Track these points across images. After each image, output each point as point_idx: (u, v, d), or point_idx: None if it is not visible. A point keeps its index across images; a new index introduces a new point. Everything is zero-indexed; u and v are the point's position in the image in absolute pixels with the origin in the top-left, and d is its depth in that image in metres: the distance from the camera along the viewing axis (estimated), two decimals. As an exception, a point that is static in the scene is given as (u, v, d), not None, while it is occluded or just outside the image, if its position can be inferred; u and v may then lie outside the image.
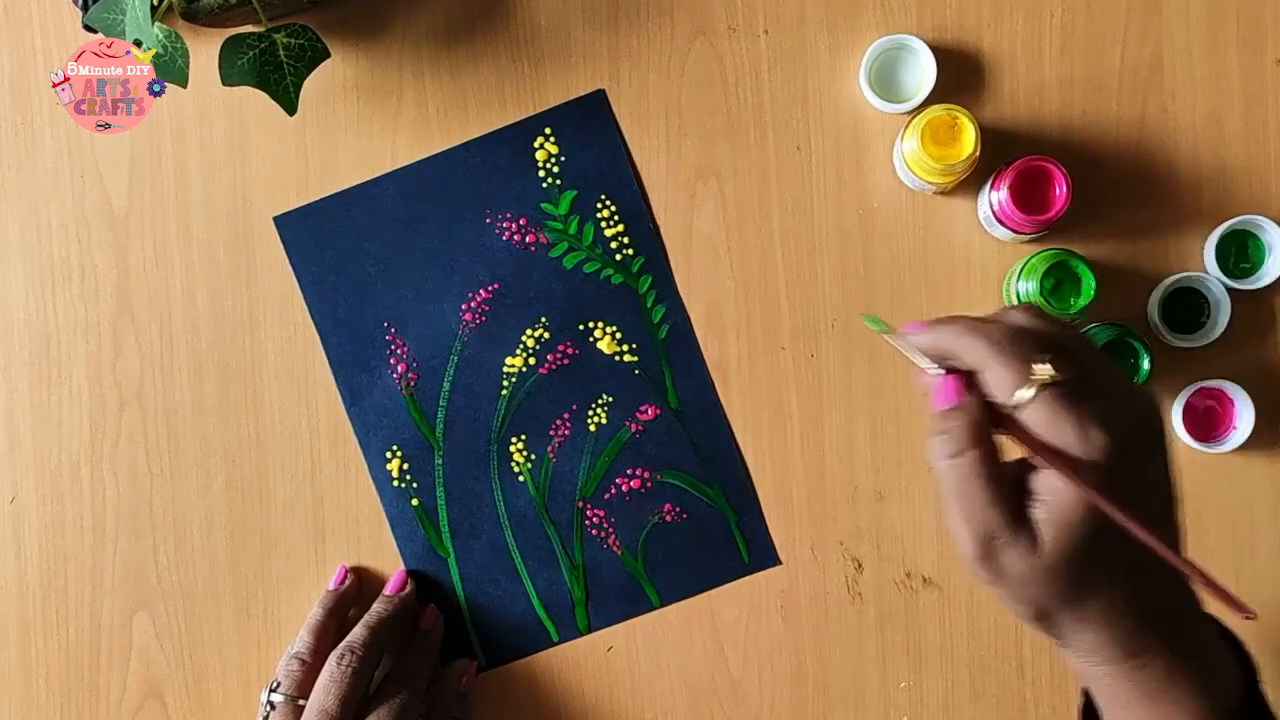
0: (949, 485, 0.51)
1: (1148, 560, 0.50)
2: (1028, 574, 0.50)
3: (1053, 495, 0.49)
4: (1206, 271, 0.74)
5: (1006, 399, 0.50)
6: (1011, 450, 0.51)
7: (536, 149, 0.76)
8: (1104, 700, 0.53)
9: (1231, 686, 0.53)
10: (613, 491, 0.76)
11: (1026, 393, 0.49)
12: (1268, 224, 0.73)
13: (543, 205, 0.76)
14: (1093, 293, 0.70)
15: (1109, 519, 0.49)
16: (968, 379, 0.51)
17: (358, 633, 0.72)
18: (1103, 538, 0.49)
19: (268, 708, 0.71)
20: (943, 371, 0.52)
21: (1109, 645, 0.51)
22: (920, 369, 0.53)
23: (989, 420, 0.51)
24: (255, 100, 0.75)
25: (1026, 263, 0.71)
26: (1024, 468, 0.51)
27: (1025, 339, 0.50)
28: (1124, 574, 0.50)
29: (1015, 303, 0.72)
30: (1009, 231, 0.72)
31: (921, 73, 0.74)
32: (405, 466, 0.77)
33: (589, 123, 0.76)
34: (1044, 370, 0.49)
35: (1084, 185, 0.73)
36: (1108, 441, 0.48)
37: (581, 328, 0.76)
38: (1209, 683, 0.52)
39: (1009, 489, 0.50)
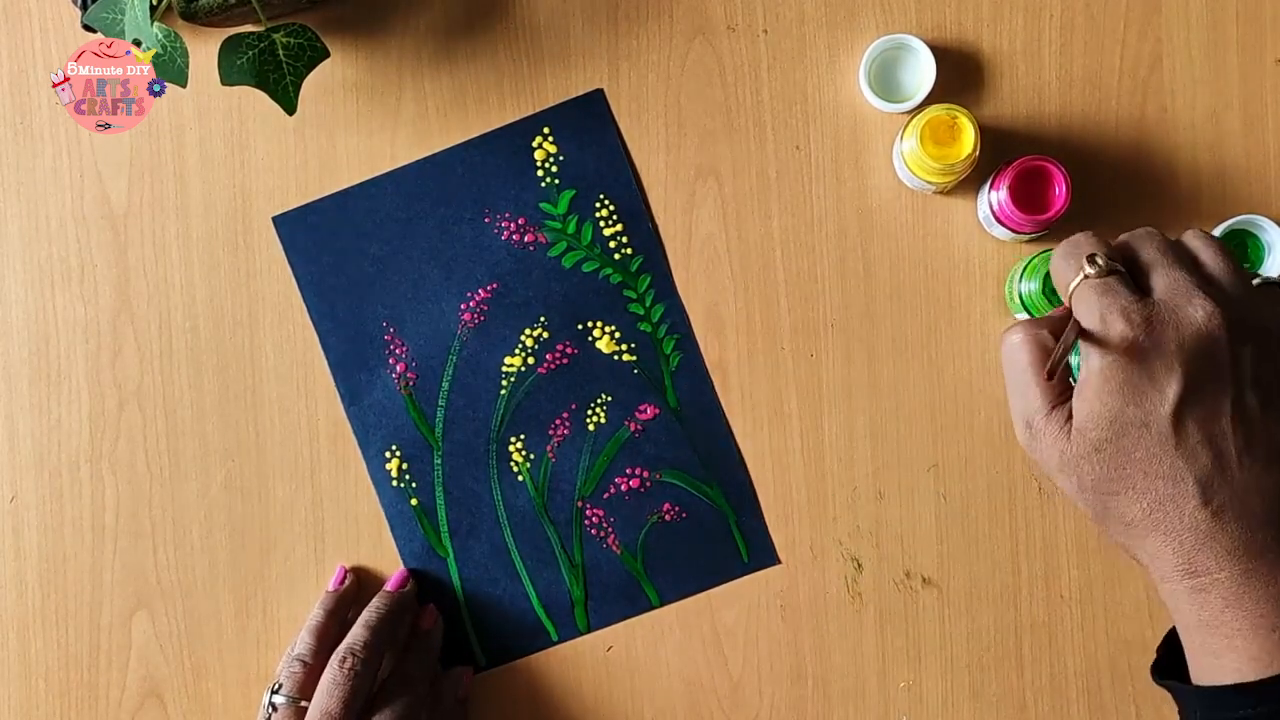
0: (1005, 364, 0.57)
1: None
2: (1060, 461, 0.54)
3: (1081, 383, 0.54)
4: (1206, 271, 0.74)
5: (1065, 289, 0.55)
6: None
7: (535, 148, 0.76)
8: (1178, 626, 0.54)
9: None
10: (612, 491, 0.76)
11: (1071, 286, 0.54)
12: (1267, 223, 0.73)
13: (541, 205, 0.76)
14: (1093, 292, 0.70)
15: (1136, 408, 0.52)
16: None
17: (358, 633, 0.72)
18: (1128, 425, 0.52)
19: (270, 709, 0.71)
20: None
21: (1160, 556, 0.52)
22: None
23: (1061, 331, 0.55)
24: (255, 100, 0.75)
25: (1029, 263, 0.71)
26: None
27: (1086, 240, 0.55)
28: (1165, 473, 0.52)
29: (1019, 303, 0.72)
30: (1008, 231, 0.72)
31: (921, 72, 0.74)
32: (404, 466, 0.77)
33: (587, 122, 0.76)
34: (1085, 268, 0.54)
35: (1083, 185, 0.73)
36: (1125, 330, 0.52)
37: (580, 327, 0.76)
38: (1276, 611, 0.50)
39: (1059, 381, 0.55)
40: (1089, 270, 0.53)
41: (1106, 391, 0.53)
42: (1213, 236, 0.57)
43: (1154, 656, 0.58)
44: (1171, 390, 0.52)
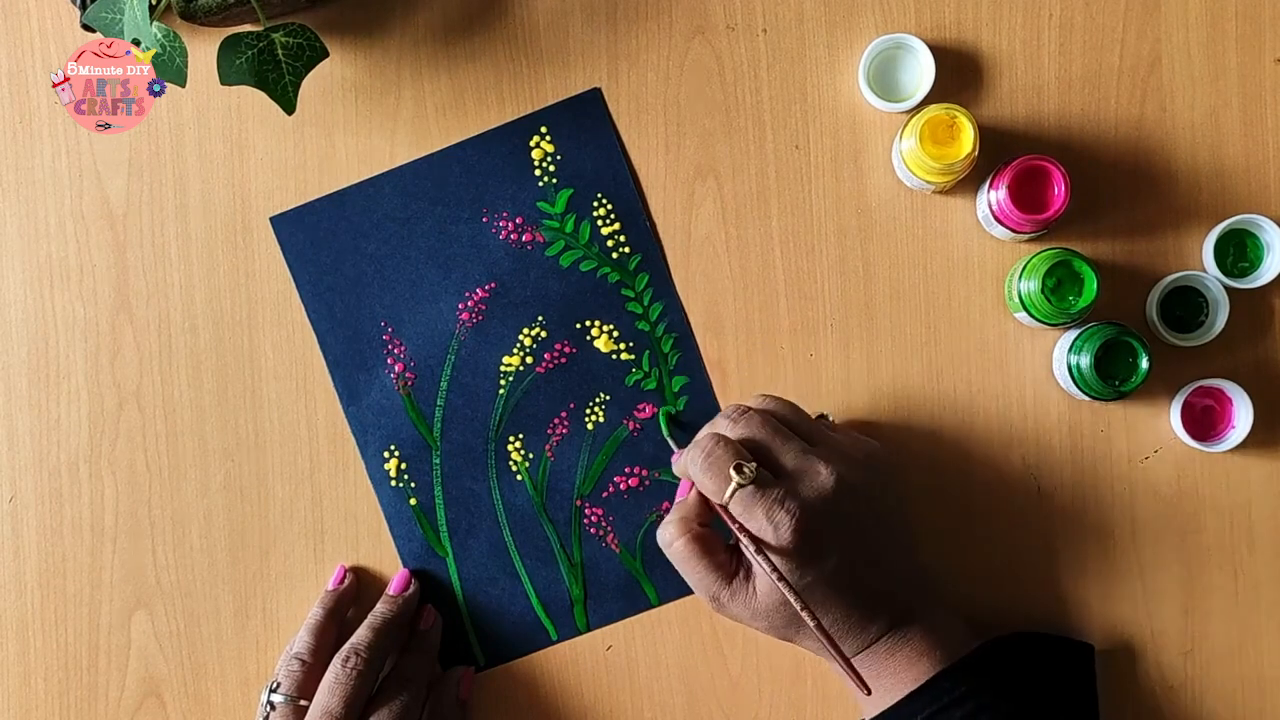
0: (674, 561, 0.67)
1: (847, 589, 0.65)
2: (751, 615, 0.66)
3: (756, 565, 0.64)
4: (1205, 270, 0.74)
5: (718, 501, 0.64)
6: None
7: (533, 148, 0.76)
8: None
9: (961, 639, 0.67)
10: (611, 490, 0.76)
11: (726, 495, 0.63)
12: (1266, 223, 0.73)
13: (539, 204, 0.76)
14: (1094, 293, 0.70)
15: (807, 572, 0.63)
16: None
17: (362, 634, 0.72)
18: (804, 587, 0.63)
19: (268, 708, 0.71)
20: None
21: (844, 644, 0.65)
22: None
23: (705, 512, 0.67)
24: (254, 99, 0.75)
25: (1028, 262, 0.71)
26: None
27: (720, 451, 0.64)
28: (831, 607, 0.65)
29: (1018, 302, 0.72)
30: (1007, 231, 0.72)
31: (920, 72, 0.74)
32: (403, 466, 0.77)
33: (585, 121, 0.76)
34: (734, 476, 0.62)
35: (1082, 184, 0.73)
36: (791, 523, 0.62)
37: (579, 326, 0.76)
38: (935, 640, 0.66)
39: (725, 556, 0.66)
40: (739, 479, 0.62)
41: (784, 571, 0.63)
42: (778, 398, 0.70)
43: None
44: (831, 557, 0.64)
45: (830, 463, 0.65)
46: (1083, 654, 0.72)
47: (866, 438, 0.70)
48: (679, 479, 0.76)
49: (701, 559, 0.66)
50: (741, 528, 0.63)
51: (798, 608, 0.62)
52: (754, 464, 0.63)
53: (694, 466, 0.65)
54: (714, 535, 0.67)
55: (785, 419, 0.68)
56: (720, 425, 0.67)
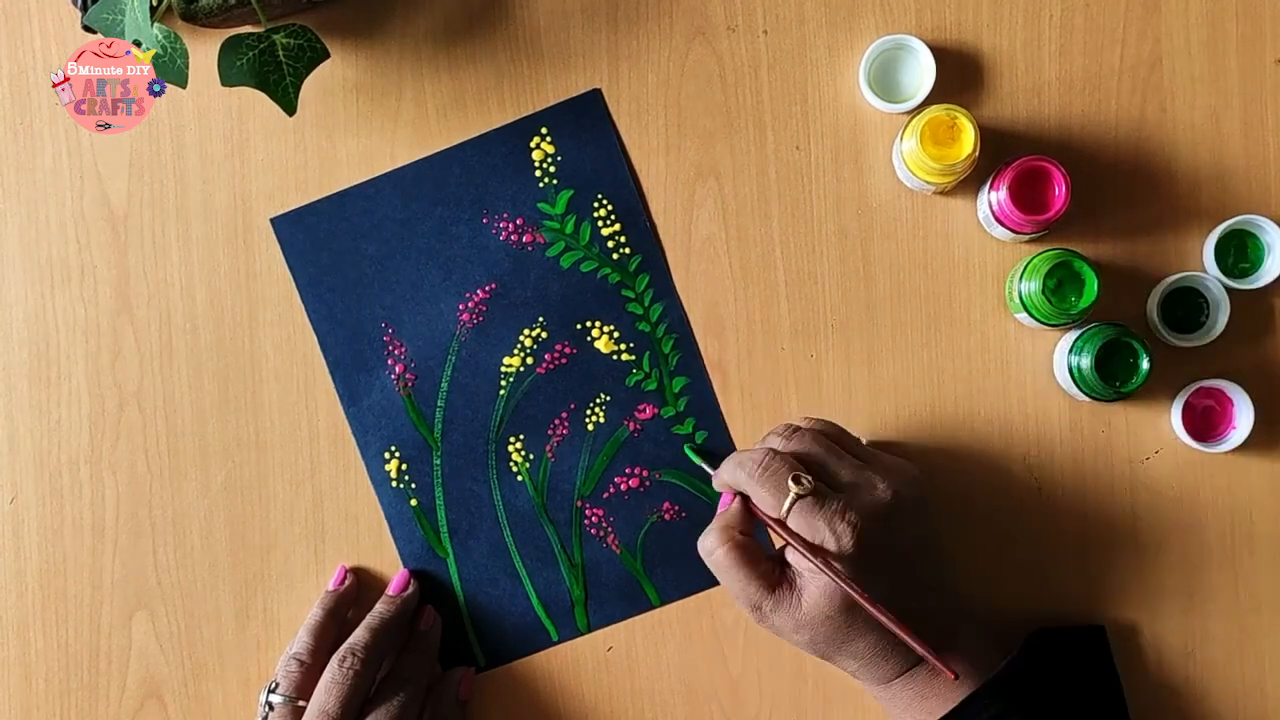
0: (716, 571, 0.66)
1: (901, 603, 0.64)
2: (794, 627, 0.65)
3: (811, 573, 0.64)
4: (1206, 271, 0.74)
5: (775, 512, 0.64)
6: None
7: (533, 149, 0.76)
8: (886, 707, 0.69)
9: (989, 658, 0.68)
10: (611, 490, 0.76)
11: (784, 507, 0.63)
12: (1267, 223, 0.73)
13: (539, 205, 0.76)
14: (1095, 293, 0.70)
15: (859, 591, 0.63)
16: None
17: (360, 635, 0.72)
18: (849, 603, 0.64)
19: (266, 708, 0.71)
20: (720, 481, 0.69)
21: (877, 670, 0.66)
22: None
23: (747, 523, 0.67)
24: (254, 100, 0.75)
25: (1029, 263, 0.71)
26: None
27: (778, 464, 0.65)
28: (876, 625, 0.64)
29: (1018, 303, 0.72)
30: (1008, 231, 0.72)
31: (921, 73, 0.74)
32: (404, 467, 0.77)
33: (585, 122, 0.76)
34: (793, 488, 0.63)
35: (1083, 185, 0.73)
36: (853, 534, 0.63)
37: (579, 327, 0.76)
38: (968, 664, 0.66)
39: (768, 565, 0.66)
40: (797, 490, 0.63)
41: (830, 583, 0.63)
42: (823, 420, 0.70)
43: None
44: (886, 572, 0.64)
45: (887, 479, 0.65)
46: (1095, 637, 0.73)
47: (906, 461, 0.70)
48: (680, 482, 0.76)
49: (743, 567, 0.65)
50: (799, 538, 0.64)
51: (871, 609, 0.62)
52: (810, 477, 0.64)
53: (748, 479, 0.65)
54: (756, 545, 0.67)
55: (834, 438, 0.68)
56: (772, 441, 0.68)
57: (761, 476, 0.65)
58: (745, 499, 0.67)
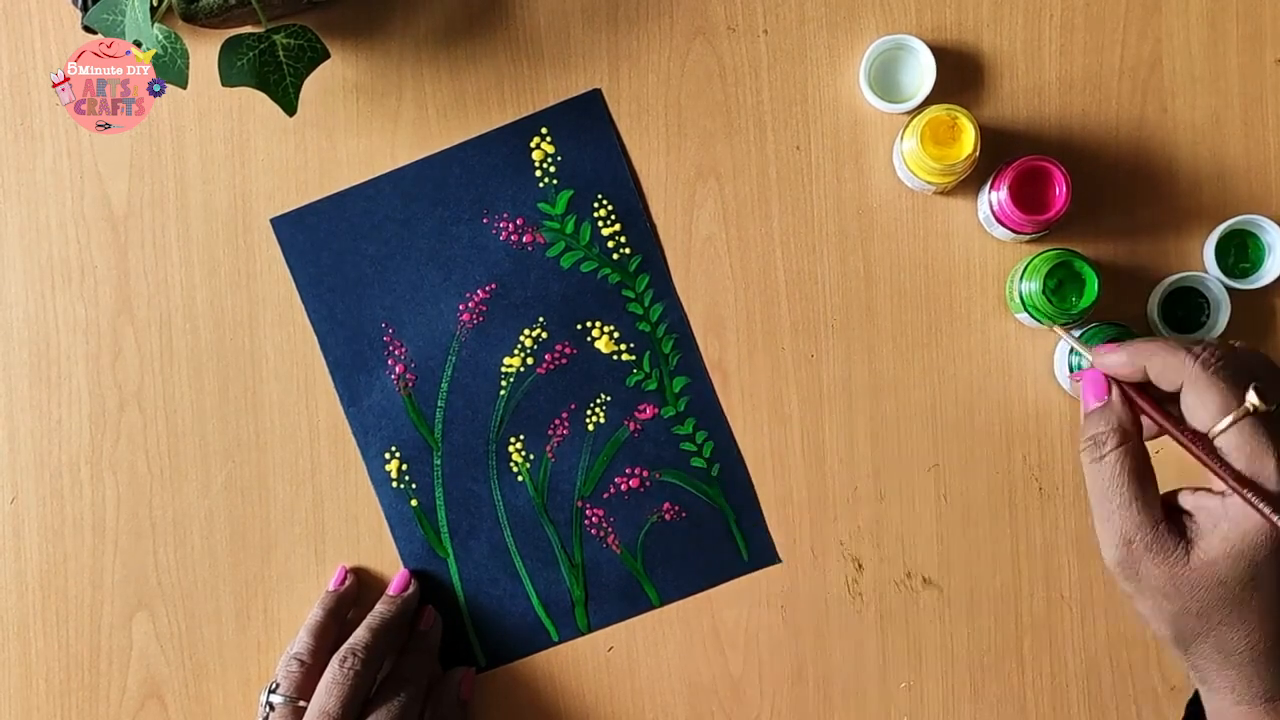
0: (1091, 484, 0.51)
1: None
2: (1167, 584, 0.49)
3: (1222, 512, 0.49)
4: (1206, 271, 0.74)
5: (1208, 422, 0.50)
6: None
7: (533, 149, 0.76)
8: None
9: None
10: (611, 491, 0.76)
11: (1228, 419, 0.49)
12: (1267, 223, 0.73)
13: (539, 205, 0.76)
14: (1096, 294, 0.70)
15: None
16: (1127, 385, 0.52)
17: (360, 635, 0.72)
18: (1267, 568, 0.49)
19: (267, 708, 0.71)
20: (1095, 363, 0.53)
21: (1253, 682, 0.50)
22: (1084, 358, 0.56)
23: (1137, 422, 0.52)
24: (255, 101, 0.75)
25: (1029, 263, 0.71)
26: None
27: (1237, 364, 0.50)
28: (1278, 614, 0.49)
29: (1019, 303, 0.72)
30: (1009, 231, 0.72)
31: (921, 73, 0.74)
32: (404, 467, 0.77)
33: (585, 122, 0.76)
34: (1252, 399, 0.49)
35: (1083, 185, 0.73)
36: None
37: (579, 327, 0.76)
38: None
39: (1154, 495, 0.51)
40: (1257, 403, 0.49)
41: (1256, 533, 0.49)
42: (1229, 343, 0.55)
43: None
44: None
45: None
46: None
47: None
48: (680, 482, 0.76)
49: (1135, 483, 0.51)
50: (1225, 464, 0.49)
51: None
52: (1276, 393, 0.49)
53: (1192, 370, 0.50)
54: (1152, 468, 0.52)
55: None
56: (1218, 343, 0.53)
57: (1214, 373, 0.50)
58: (1130, 399, 0.53)
